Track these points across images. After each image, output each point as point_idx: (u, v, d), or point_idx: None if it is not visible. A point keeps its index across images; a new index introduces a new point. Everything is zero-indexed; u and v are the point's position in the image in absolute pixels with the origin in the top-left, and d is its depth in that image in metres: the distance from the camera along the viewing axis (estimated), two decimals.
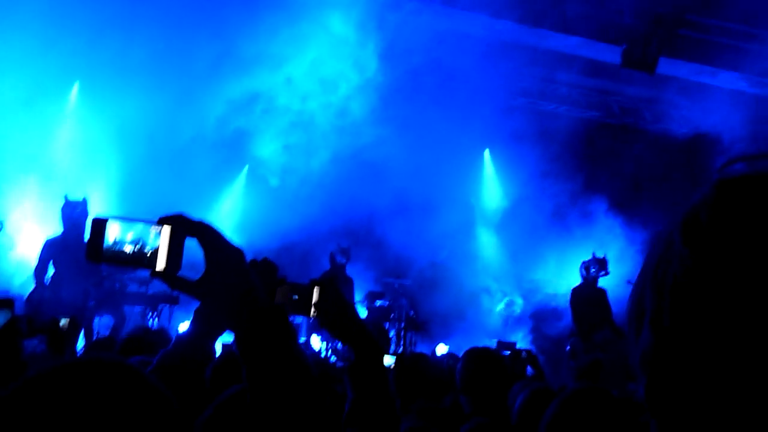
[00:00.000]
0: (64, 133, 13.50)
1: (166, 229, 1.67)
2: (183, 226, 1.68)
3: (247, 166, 15.48)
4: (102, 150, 13.42)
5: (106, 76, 12.85)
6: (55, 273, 10.81)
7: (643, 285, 1.04)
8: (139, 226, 1.68)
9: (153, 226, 1.68)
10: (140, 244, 1.68)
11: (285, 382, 1.60)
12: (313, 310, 2.62)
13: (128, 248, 1.68)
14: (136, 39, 12.50)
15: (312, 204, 13.85)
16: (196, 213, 1.72)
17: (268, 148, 14.65)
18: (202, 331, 1.87)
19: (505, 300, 15.82)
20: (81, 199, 10.96)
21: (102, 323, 11.38)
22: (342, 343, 2.66)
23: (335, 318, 2.60)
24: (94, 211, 10.92)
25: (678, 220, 0.99)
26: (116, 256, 1.69)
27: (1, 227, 11.90)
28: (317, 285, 2.69)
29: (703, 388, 0.92)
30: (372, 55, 13.78)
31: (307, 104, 14.16)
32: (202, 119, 13.50)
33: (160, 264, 1.67)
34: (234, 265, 1.66)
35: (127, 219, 1.70)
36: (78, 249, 10.66)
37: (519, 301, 15.71)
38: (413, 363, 6.02)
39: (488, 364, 4.75)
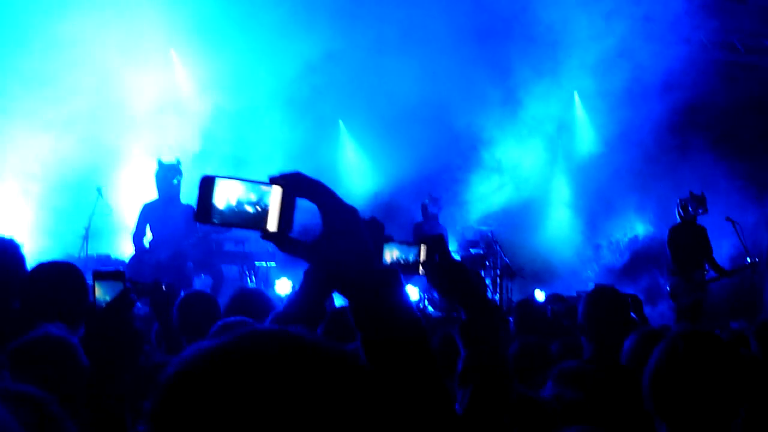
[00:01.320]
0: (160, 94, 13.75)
1: (277, 189, 1.62)
2: (296, 186, 1.62)
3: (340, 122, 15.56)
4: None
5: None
6: (153, 236, 10.97)
7: None
8: (249, 186, 1.63)
9: (263, 186, 1.63)
10: (250, 203, 1.63)
11: (404, 347, 1.56)
12: (421, 269, 2.56)
13: (238, 208, 1.63)
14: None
15: (396, 157, 13.92)
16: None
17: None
18: (314, 292, 1.85)
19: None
20: (175, 162, 11.07)
21: (201, 283, 11.56)
22: (453, 303, 2.59)
23: (444, 277, 2.54)
24: (185, 171, 11.11)
25: None
26: (226, 216, 1.63)
27: (99, 193, 12.14)
28: (424, 243, 2.63)
29: None
30: None
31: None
32: (284, 76, 13.52)
33: (272, 225, 1.62)
34: (350, 227, 1.60)
35: (236, 178, 1.64)
36: (175, 211, 10.83)
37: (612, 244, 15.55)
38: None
39: (614, 306, 4.64)
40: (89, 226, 12.02)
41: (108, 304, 2.77)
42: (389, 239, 2.46)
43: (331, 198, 1.61)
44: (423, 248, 2.61)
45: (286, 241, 1.63)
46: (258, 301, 5.22)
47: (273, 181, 1.63)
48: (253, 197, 1.63)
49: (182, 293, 5.47)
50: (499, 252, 14.01)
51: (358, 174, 15.40)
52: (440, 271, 2.53)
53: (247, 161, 13.29)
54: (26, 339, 2.78)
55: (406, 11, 13.74)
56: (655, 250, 14.38)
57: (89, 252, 12.02)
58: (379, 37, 13.43)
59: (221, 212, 1.63)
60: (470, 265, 13.74)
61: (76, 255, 11.83)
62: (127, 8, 12.63)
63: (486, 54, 13.78)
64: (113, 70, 12.69)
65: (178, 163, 11.07)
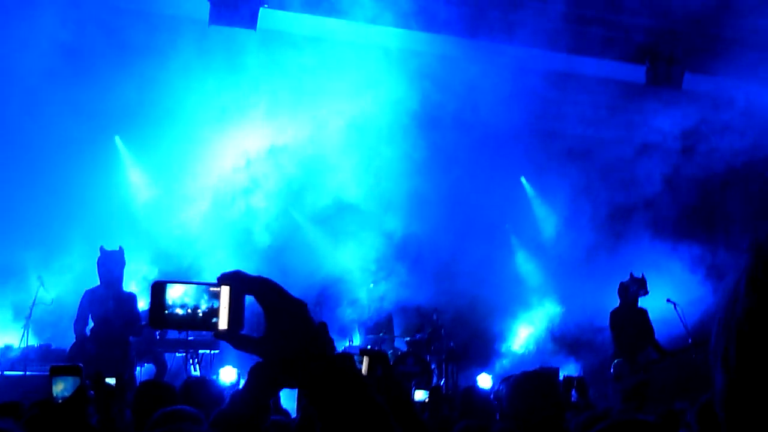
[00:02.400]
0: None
1: (225, 289, 1.66)
2: (241, 284, 1.66)
3: None
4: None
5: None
6: (94, 324, 10.82)
7: (716, 330, 1.13)
8: (198, 288, 1.68)
9: (212, 287, 1.67)
10: (200, 305, 1.67)
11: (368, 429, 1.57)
12: None
13: (188, 311, 1.68)
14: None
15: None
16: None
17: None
18: (260, 389, 1.85)
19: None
20: (117, 249, 11.00)
21: (144, 371, 11.42)
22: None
23: (385, 393, 2.55)
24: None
25: (743, 268, 1.09)
26: (178, 319, 1.68)
27: (41, 282, 12.03)
28: (367, 355, 2.64)
29: None
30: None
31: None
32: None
33: (222, 324, 1.66)
34: (297, 319, 1.63)
35: (184, 281, 1.69)
36: (117, 300, 10.74)
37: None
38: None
39: (542, 389, 4.62)
40: (30, 315, 11.87)
41: (66, 400, 2.75)
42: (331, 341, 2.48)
43: (274, 293, 1.64)
44: (366, 360, 2.62)
45: (237, 339, 1.66)
46: (205, 390, 5.21)
47: (220, 281, 1.67)
48: (203, 299, 1.67)
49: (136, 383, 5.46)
50: (444, 336, 14.04)
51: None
52: (381, 386, 2.53)
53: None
54: None
55: None
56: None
57: (29, 342, 11.83)
58: None
59: (173, 316, 1.68)
60: (415, 349, 13.75)
61: (15, 346, 11.66)
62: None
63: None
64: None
65: (121, 250, 11.01)
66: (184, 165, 13.80)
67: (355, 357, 2.60)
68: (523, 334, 15.82)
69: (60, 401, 2.92)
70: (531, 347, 15.74)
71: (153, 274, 12.90)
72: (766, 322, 0.98)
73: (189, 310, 1.67)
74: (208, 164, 14.02)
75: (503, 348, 15.60)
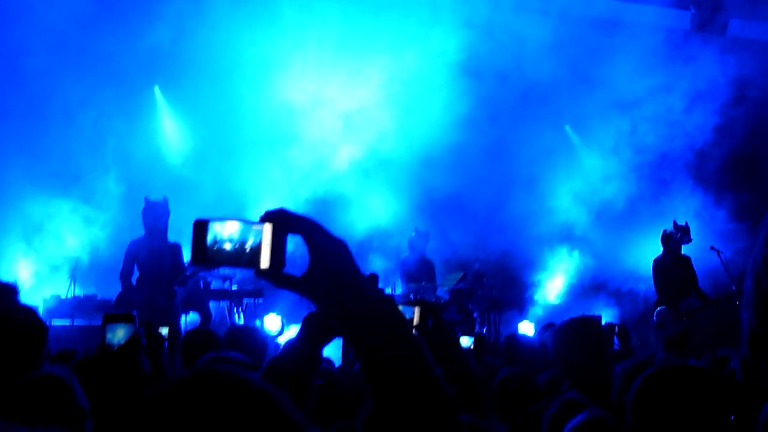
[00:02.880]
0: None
1: (268, 227, 1.67)
2: (284, 223, 1.67)
3: None
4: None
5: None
6: (140, 274, 10.96)
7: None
8: (240, 225, 1.69)
9: (254, 225, 1.68)
10: (243, 243, 1.68)
11: (405, 366, 1.57)
12: (414, 331, 2.55)
13: (231, 248, 1.68)
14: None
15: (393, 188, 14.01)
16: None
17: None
18: (311, 339, 1.87)
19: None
20: (162, 199, 11.08)
21: (188, 321, 11.54)
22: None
23: (434, 344, 2.55)
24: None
25: None
26: (220, 257, 1.69)
27: None
28: (419, 305, 2.64)
29: None
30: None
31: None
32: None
33: (264, 262, 1.67)
34: (339, 259, 1.64)
35: (227, 218, 1.70)
36: (162, 249, 10.85)
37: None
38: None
39: (586, 336, 4.59)
40: (75, 266, 12.04)
41: (120, 347, 2.80)
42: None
43: (317, 232, 1.65)
44: (417, 310, 2.62)
45: (279, 277, 1.67)
46: (250, 338, 5.26)
47: (263, 219, 1.68)
48: (246, 236, 1.68)
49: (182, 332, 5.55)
50: (486, 285, 14.04)
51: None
52: (431, 337, 2.53)
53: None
54: (26, 379, 2.79)
55: None
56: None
57: (76, 293, 12.01)
58: None
59: (215, 253, 1.68)
60: (457, 298, 13.79)
61: (63, 296, 11.83)
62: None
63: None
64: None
65: (166, 200, 11.08)
66: (224, 116, 13.76)
67: (403, 307, 2.61)
68: (560, 283, 15.73)
69: (114, 348, 2.96)
70: (567, 296, 15.65)
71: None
72: None
73: (231, 248, 1.68)
74: (247, 116, 13.96)
75: (540, 297, 15.53)
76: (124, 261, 11.04)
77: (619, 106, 14.62)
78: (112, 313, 3.24)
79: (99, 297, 11.85)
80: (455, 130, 13.82)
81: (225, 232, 1.69)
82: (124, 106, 13.17)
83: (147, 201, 11.05)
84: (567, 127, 16.17)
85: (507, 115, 14.06)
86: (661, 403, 2.61)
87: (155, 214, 10.95)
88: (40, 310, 11.72)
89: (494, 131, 13.90)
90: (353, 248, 1.66)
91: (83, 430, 2.56)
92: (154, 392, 1.23)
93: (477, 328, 13.62)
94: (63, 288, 12.08)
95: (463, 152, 13.87)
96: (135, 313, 3.26)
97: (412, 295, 13.54)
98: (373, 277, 2.04)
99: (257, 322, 11.34)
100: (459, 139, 13.81)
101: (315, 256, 1.63)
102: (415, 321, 2.58)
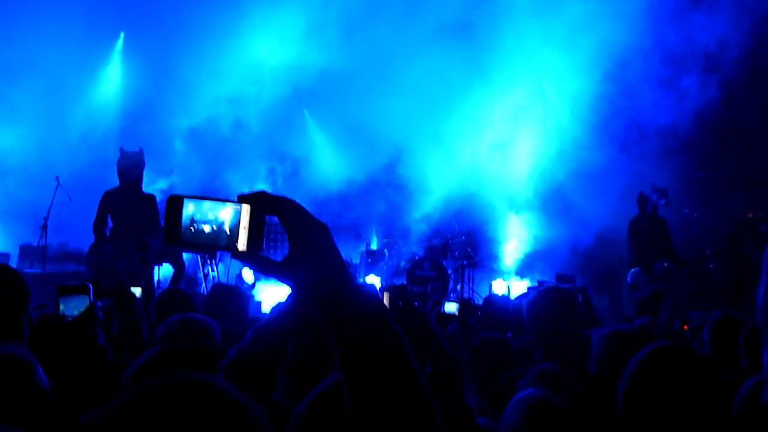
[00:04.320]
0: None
1: (246, 208, 1.60)
2: (263, 204, 1.60)
3: None
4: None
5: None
6: (113, 225, 10.86)
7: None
8: (217, 205, 1.61)
9: (232, 205, 1.61)
10: (219, 224, 1.61)
11: (384, 358, 1.52)
12: None
13: (206, 228, 1.61)
14: None
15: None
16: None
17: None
18: (283, 328, 1.82)
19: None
20: (137, 149, 10.96)
21: (162, 274, 11.49)
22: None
23: (407, 327, 2.50)
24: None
25: None
26: (195, 237, 1.61)
27: (58, 182, 12.08)
28: (386, 291, 2.60)
29: None
30: None
31: None
32: None
33: (242, 244, 1.60)
34: (320, 242, 1.57)
35: (203, 198, 1.62)
36: (136, 200, 10.75)
37: None
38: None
39: (560, 308, 4.61)
40: (48, 215, 11.93)
41: (74, 319, 2.74)
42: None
43: (299, 214, 1.58)
44: (386, 296, 2.58)
45: (257, 260, 1.61)
46: (234, 298, 5.26)
47: (241, 199, 1.61)
48: (222, 216, 1.61)
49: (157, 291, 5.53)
50: (462, 242, 14.09)
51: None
52: (402, 320, 2.49)
53: None
54: None
55: None
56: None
57: (48, 241, 11.92)
58: None
59: (191, 234, 1.61)
60: (432, 254, 13.83)
61: (34, 244, 11.76)
62: None
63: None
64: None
65: (141, 151, 10.96)
66: (191, 71, 13.65)
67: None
68: (515, 243, 15.74)
69: (68, 320, 2.90)
70: (535, 256, 15.69)
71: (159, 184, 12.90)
72: None
73: (206, 228, 1.61)
74: (216, 74, 13.86)
75: (510, 256, 15.54)
76: (97, 211, 10.92)
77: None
78: (66, 284, 3.16)
79: (71, 246, 11.78)
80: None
81: (201, 212, 1.61)
82: (88, 50, 13.03)
83: (122, 151, 10.93)
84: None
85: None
86: (660, 389, 2.58)
87: (129, 165, 10.83)
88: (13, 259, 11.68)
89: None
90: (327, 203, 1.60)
91: (42, 410, 2.51)
92: (124, 401, 1.18)
93: (451, 284, 13.67)
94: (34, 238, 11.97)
95: None
96: (89, 285, 3.18)
97: (386, 250, 13.62)
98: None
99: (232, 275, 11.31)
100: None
101: (294, 240, 1.57)
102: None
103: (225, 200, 1.62)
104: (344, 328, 1.54)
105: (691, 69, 14.23)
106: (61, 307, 3.05)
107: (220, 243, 1.62)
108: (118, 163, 10.90)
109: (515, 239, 15.35)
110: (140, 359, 2.39)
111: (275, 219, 1.60)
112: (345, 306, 1.55)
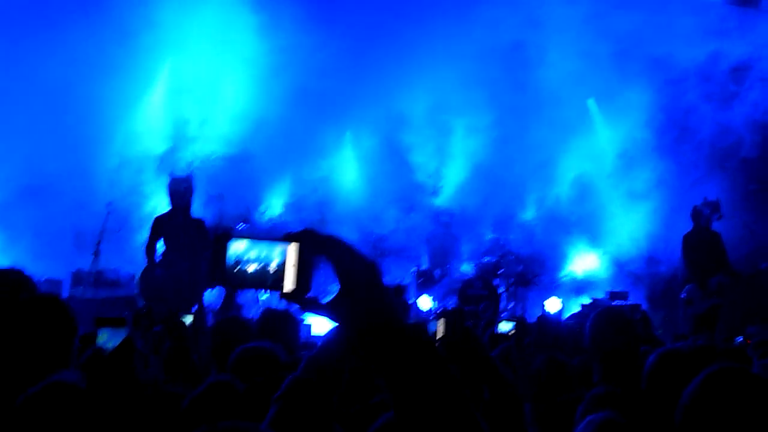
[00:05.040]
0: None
1: (293, 247, 1.58)
2: (311, 243, 1.58)
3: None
4: None
5: None
6: (165, 250, 10.93)
7: None
8: (265, 244, 1.60)
9: (279, 244, 1.59)
10: (266, 263, 1.59)
11: (440, 404, 1.49)
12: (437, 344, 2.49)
13: (253, 267, 1.59)
14: None
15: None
16: None
17: None
18: (335, 357, 1.79)
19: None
20: (186, 175, 11.04)
21: (214, 294, 11.52)
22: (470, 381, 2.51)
23: (464, 355, 2.46)
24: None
25: None
26: (240, 276, 1.60)
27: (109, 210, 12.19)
28: (442, 317, 2.56)
29: None
30: None
31: None
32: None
33: (288, 284, 1.58)
34: (368, 283, 1.55)
35: (251, 236, 1.61)
36: (187, 224, 10.81)
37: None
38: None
39: (621, 328, 4.53)
40: (100, 241, 12.02)
41: (112, 352, 2.73)
42: (405, 304, 2.41)
43: (347, 253, 1.56)
44: (441, 323, 2.54)
45: (303, 301, 1.59)
46: (285, 323, 5.25)
47: (288, 237, 1.59)
48: (269, 256, 1.60)
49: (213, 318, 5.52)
50: (512, 260, 14.00)
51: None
52: (459, 346, 2.45)
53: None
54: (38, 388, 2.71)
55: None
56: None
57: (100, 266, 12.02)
58: None
59: (237, 273, 1.60)
60: (483, 273, 13.74)
61: (86, 270, 11.86)
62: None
63: None
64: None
65: (190, 176, 11.04)
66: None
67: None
68: (588, 260, 15.57)
69: (106, 353, 2.89)
70: (596, 274, 15.51)
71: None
72: None
73: (253, 267, 1.59)
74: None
75: (567, 274, 15.38)
76: (149, 236, 11.01)
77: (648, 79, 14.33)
78: (105, 317, 3.17)
79: (122, 272, 11.88)
80: None
81: (248, 251, 1.60)
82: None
83: (171, 176, 11.02)
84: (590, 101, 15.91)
85: (531, 89, 13.88)
86: (721, 412, 2.50)
87: (180, 190, 10.90)
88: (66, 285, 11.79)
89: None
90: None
91: None
92: None
93: (503, 303, 13.58)
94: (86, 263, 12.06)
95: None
96: (127, 314, 3.19)
97: (438, 270, 13.57)
98: (400, 289, 1.95)
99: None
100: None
101: (342, 280, 1.54)
102: (440, 332, 2.50)
103: (273, 239, 1.60)
104: (392, 372, 1.51)
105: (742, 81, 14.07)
106: (100, 338, 3.05)
107: (266, 282, 1.60)
108: (169, 188, 10.99)
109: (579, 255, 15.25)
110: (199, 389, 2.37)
111: None
112: (391, 349, 1.52)
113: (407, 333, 1.54)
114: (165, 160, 12.58)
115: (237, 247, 1.59)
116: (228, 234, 1.61)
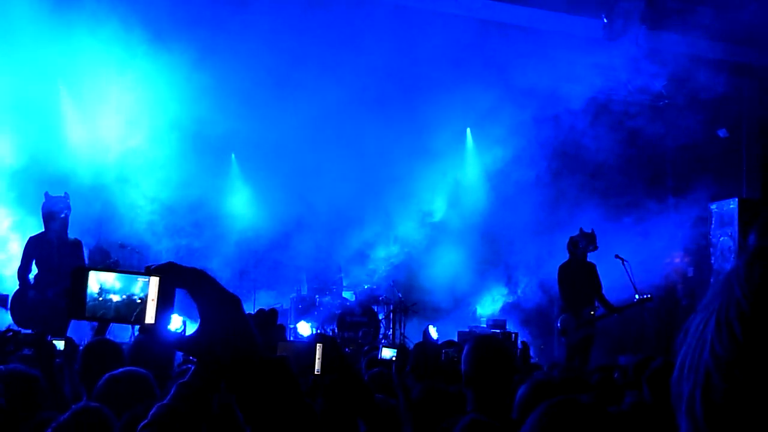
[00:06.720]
0: None
1: (155, 280, 1.56)
2: (173, 276, 1.56)
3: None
4: None
5: None
6: (39, 272, 10.63)
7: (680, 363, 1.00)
8: (125, 278, 1.57)
9: (140, 277, 1.57)
10: (127, 296, 1.57)
11: None
12: (317, 367, 2.51)
13: (115, 299, 1.56)
14: None
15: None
16: None
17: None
18: (203, 385, 1.77)
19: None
20: (62, 194, 10.77)
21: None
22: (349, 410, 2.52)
23: (342, 380, 2.47)
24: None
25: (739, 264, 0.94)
26: (101, 310, 1.57)
27: None
28: (319, 342, 2.58)
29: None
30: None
31: None
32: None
33: (149, 318, 1.56)
34: (231, 317, 1.53)
35: (111, 269, 1.60)
36: (62, 246, 10.54)
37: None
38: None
39: (497, 357, 4.57)
40: None
41: None
42: (282, 327, 2.41)
43: (207, 287, 1.54)
44: (318, 347, 2.55)
45: (164, 335, 1.57)
46: (157, 350, 5.18)
47: (149, 271, 1.57)
48: (130, 289, 1.57)
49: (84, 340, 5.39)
50: (393, 287, 14.10)
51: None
52: (335, 374, 2.46)
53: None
54: None
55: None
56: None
57: None
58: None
59: (95, 306, 1.56)
60: (364, 300, 13.78)
61: None
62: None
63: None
64: None
65: (66, 195, 10.77)
66: None
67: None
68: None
69: None
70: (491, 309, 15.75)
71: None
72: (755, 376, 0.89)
73: (114, 299, 1.56)
74: None
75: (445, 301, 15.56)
76: (22, 257, 10.69)
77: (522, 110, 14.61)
78: None
79: None
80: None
81: (107, 283, 1.57)
82: None
83: (47, 196, 10.72)
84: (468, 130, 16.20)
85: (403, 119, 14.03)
86: None
87: (54, 210, 10.62)
88: None
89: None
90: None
91: None
92: None
93: (382, 330, 13.64)
94: None
95: None
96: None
97: (317, 296, 13.56)
98: (272, 313, 1.96)
99: None
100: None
101: (202, 315, 1.53)
102: (318, 355, 2.51)
103: (133, 273, 1.58)
104: (249, 405, 1.51)
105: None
106: None
107: (129, 317, 1.57)
108: (43, 208, 10.70)
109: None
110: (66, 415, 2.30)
111: None
112: (252, 386, 1.51)
113: (268, 368, 1.53)
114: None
115: (96, 281, 1.56)
116: (84, 268, 1.57)
